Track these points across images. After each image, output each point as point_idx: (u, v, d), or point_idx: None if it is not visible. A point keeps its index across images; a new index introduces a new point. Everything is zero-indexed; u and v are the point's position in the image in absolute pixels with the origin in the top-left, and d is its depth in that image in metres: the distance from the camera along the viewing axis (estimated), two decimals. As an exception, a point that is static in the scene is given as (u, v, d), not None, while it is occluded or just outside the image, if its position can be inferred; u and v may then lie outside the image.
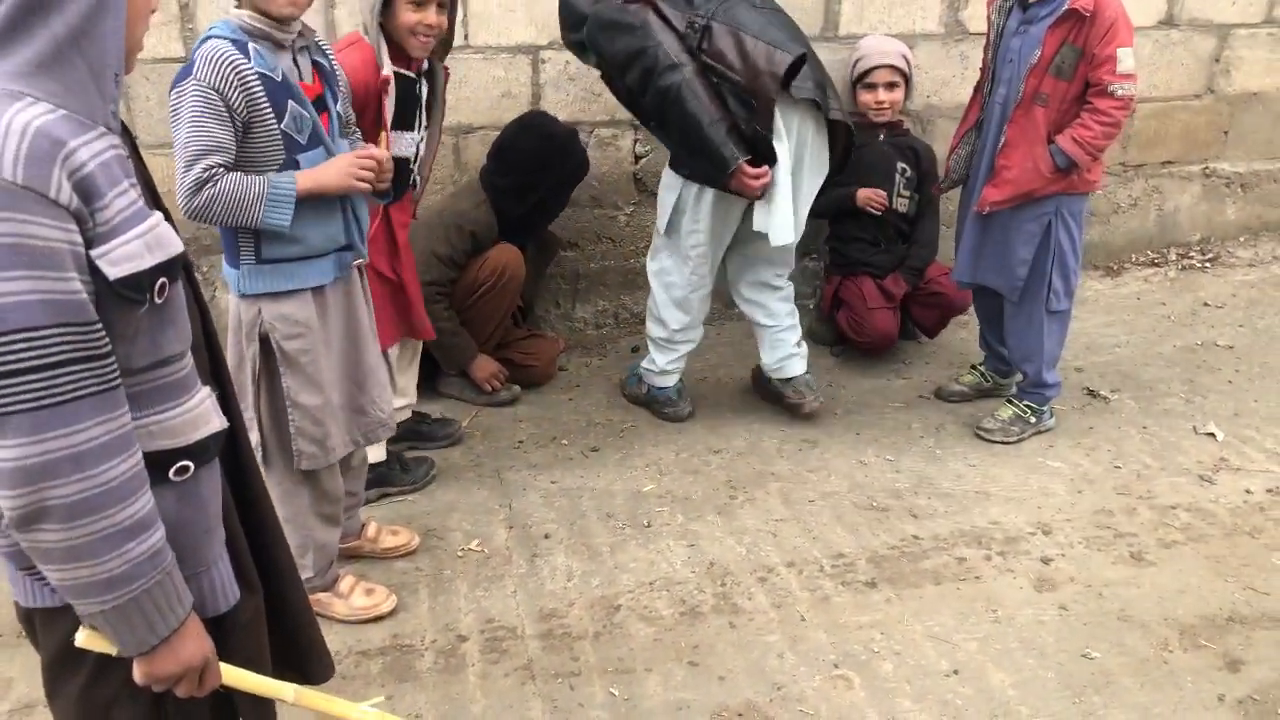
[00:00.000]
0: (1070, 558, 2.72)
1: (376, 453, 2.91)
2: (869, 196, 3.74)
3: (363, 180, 2.22)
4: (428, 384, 3.56)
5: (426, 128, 2.82)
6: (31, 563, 1.22)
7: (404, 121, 2.72)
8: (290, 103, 2.11)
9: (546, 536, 2.85)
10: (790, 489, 3.06)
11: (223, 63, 2.01)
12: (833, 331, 3.97)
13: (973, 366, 3.61)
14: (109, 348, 1.16)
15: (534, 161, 3.44)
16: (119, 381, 1.18)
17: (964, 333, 4.00)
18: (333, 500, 2.47)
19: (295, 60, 2.17)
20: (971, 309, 3.70)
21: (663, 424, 3.44)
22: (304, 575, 2.47)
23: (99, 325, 1.14)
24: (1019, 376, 3.37)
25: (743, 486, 3.08)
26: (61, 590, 1.19)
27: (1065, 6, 2.88)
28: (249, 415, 2.31)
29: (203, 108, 2.01)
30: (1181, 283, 4.56)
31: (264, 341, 2.26)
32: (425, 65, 2.76)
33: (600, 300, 4.15)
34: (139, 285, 1.17)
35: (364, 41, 2.62)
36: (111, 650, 1.27)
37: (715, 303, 4.24)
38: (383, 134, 2.60)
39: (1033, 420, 3.30)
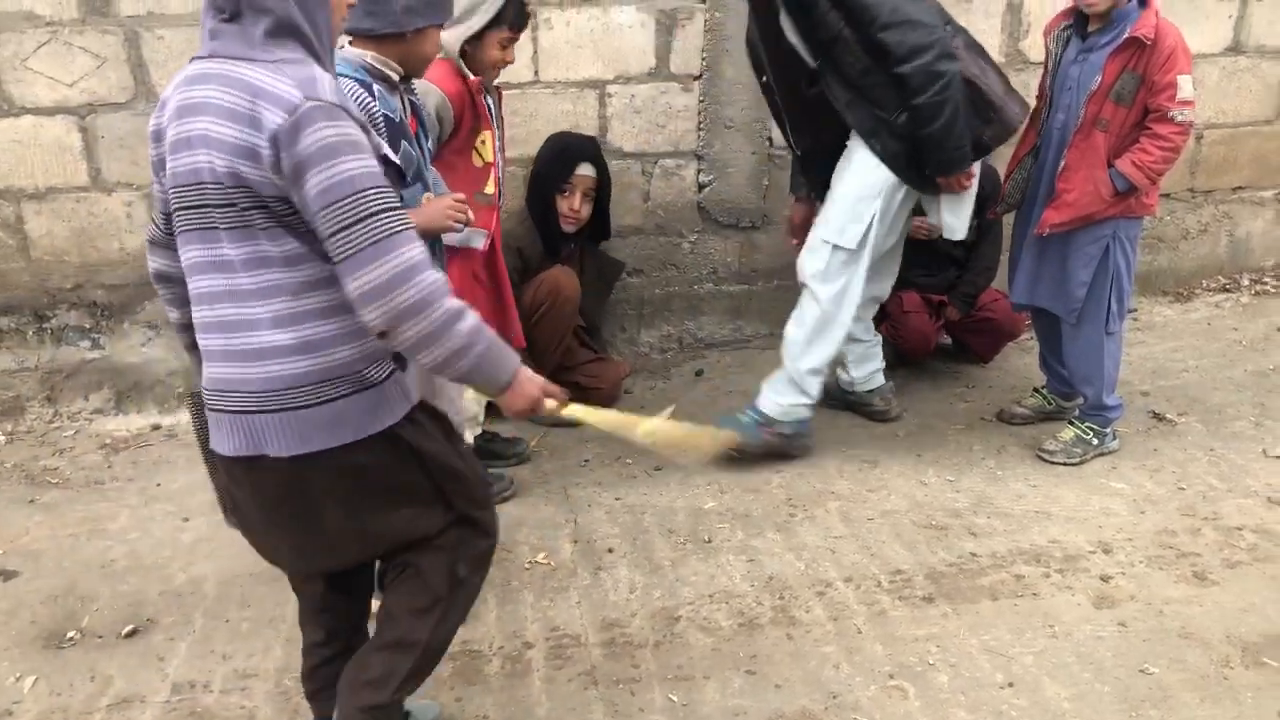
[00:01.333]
0: (1131, 576, 2.72)
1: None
2: (918, 225, 3.79)
3: (456, 221, 2.41)
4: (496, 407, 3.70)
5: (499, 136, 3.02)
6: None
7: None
8: (403, 142, 2.28)
9: (610, 550, 2.94)
10: (849, 507, 3.11)
11: (360, 103, 2.18)
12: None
13: (1035, 389, 3.62)
14: (400, 202, 1.65)
15: (544, 161, 3.66)
16: (412, 225, 1.65)
17: (1028, 357, 4.01)
18: None
19: (402, 100, 2.33)
20: (1028, 332, 3.73)
21: (725, 445, 3.51)
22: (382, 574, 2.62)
23: (391, 188, 1.64)
24: (1081, 399, 3.38)
25: (802, 504, 3.13)
26: (434, 369, 1.65)
27: (1126, 34, 2.93)
28: None
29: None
30: (1254, 308, 4.50)
31: None
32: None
33: (665, 325, 4.26)
34: (397, 173, 1.83)
35: (442, 59, 2.80)
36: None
37: (778, 327, 4.33)
38: (487, 132, 2.83)
39: (1095, 442, 3.31)
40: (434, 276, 1.61)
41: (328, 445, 1.69)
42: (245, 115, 1.57)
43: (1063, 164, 3.10)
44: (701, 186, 4.12)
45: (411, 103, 2.43)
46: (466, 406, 3.07)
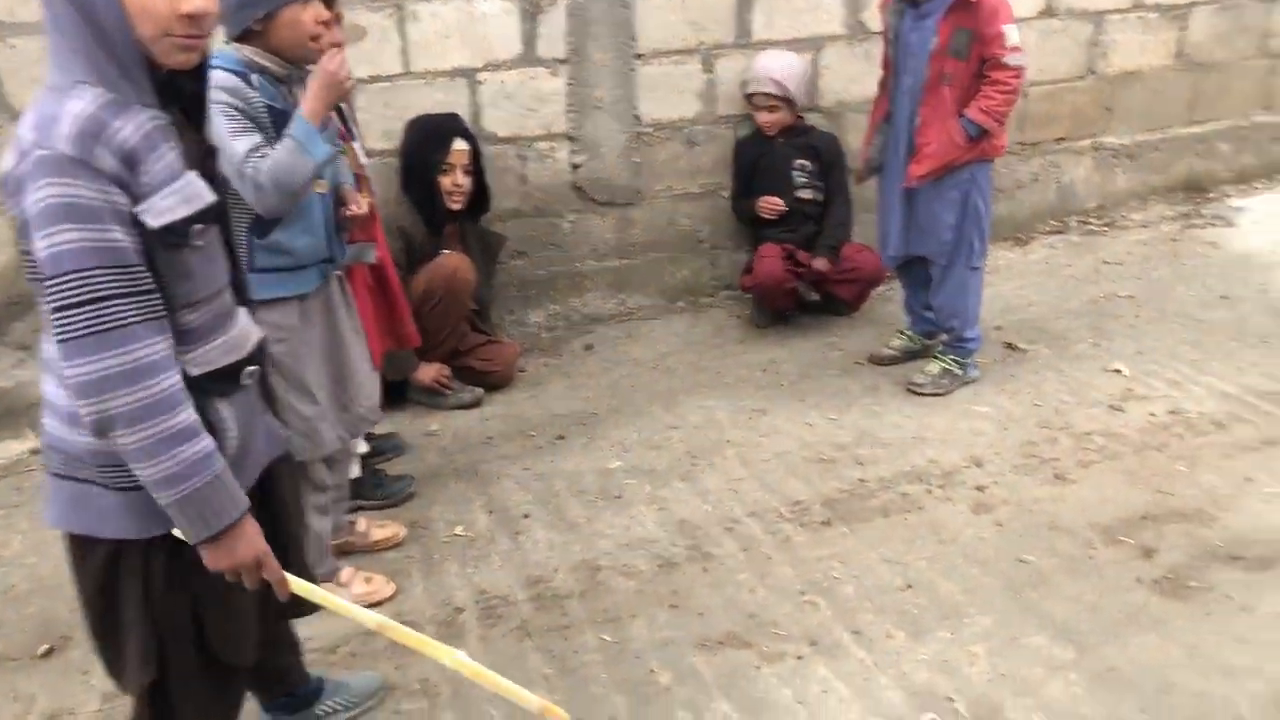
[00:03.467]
0: (1002, 484, 3.01)
1: (353, 469, 3.09)
2: (763, 205, 4.15)
3: (337, 73, 2.29)
4: (396, 394, 3.76)
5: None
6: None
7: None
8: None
9: (526, 516, 3.06)
10: (746, 452, 3.31)
11: (235, 89, 2.23)
12: (755, 307, 4.32)
13: (900, 332, 3.92)
14: (151, 285, 1.43)
15: (416, 145, 3.74)
16: (163, 313, 1.45)
17: (888, 305, 4.31)
18: (322, 490, 2.66)
19: (291, 91, 2.39)
20: (889, 281, 4.03)
21: (623, 409, 3.67)
22: (305, 566, 2.66)
23: (140, 267, 1.41)
24: (944, 336, 3.69)
25: (702, 455, 3.32)
26: (147, 486, 1.45)
27: None
28: None
29: (231, 123, 2.23)
30: (1083, 246, 4.93)
31: None
32: None
33: (551, 304, 4.39)
34: (178, 231, 1.45)
35: None
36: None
37: (660, 298, 4.53)
38: (345, 144, 2.83)
39: (959, 373, 3.61)
40: (166, 384, 1.42)
41: (70, 528, 1.60)
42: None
43: (918, 121, 3.38)
44: (575, 167, 4.26)
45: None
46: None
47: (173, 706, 1.69)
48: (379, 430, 3.48)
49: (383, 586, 2.73)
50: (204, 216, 1.49)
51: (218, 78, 2.23)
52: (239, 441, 1.62)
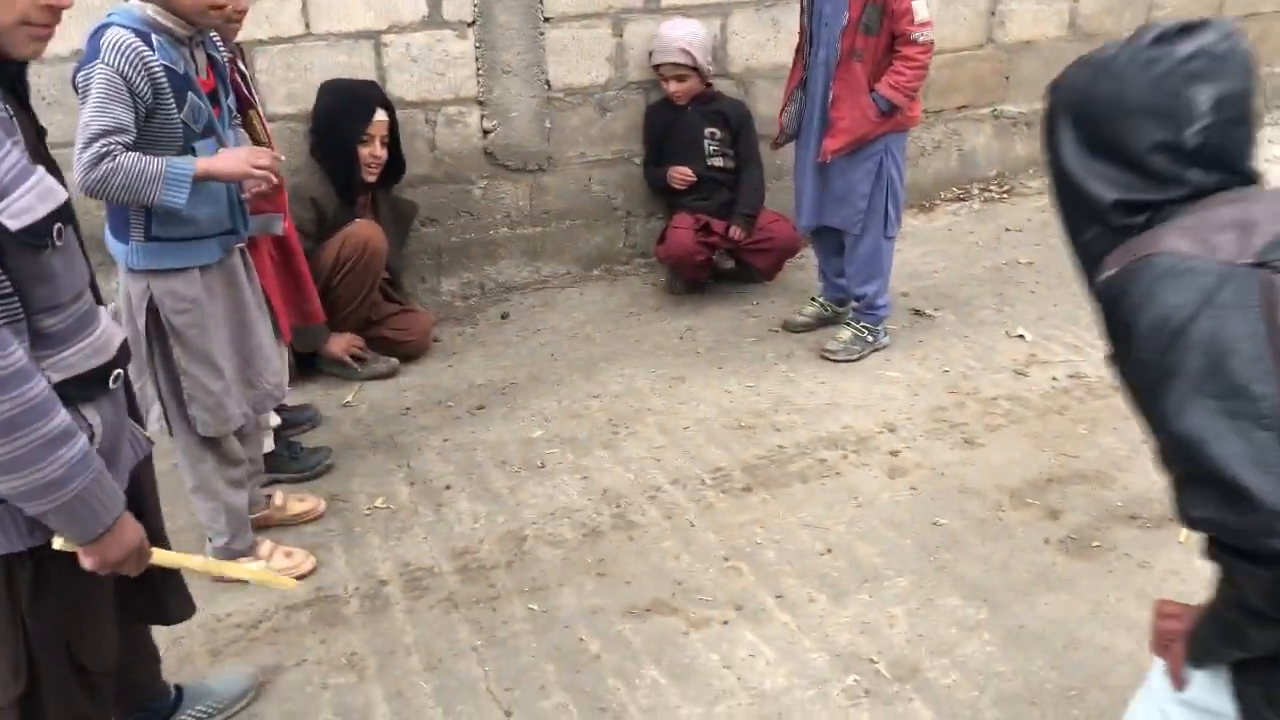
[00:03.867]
0: (915, 448, 3.11)
1: (267, 442, 3.01)
2: (674, 175, 4.15)
3: (260, 169, 2.32)
4: (308, 366, 3.67)
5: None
6: None
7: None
8: (189, 94, 2.23)
9: (448, 488, 3.04)
10: (666, 420, 3.34)
11: (130, 51, 2.12)
12: (671, 275, 4.32)
13: (812, 299, 3.99)
14: (10, 289, 1.36)
15: (334, 113, 3.64)
16: (21, 318, 1.38)
17: (800, 273, 4.38)
18: (236, 464, 2.60)
19: (192, 55, 2.28)
20: (804, 250, 4.09)
21: (543, 378, 3.66)
22: (221, 540, 2.61)
23: None
24: (854, 303, 3.77)
25: (623, 423, 3.34)
26: (14, 498, 1.38)
27: None
28: (149, 389, 2.43)
29: (108, 90, 2.11)
30: (985, 213, 5.08)
31: (153, 315, 2.37)
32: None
33: (464, 272, 4.33)
34: (39, 232, 1.36)
35: None
36: (78, 549, 1.48)
37: (575, 265, 4.51)
38: (251, 111, 2.73)
39: (870, 339, 3.70)
40: (38, 388, 1.34)
41: None
42: None
43: (831, 95, 3.42)
44: (486, 132, 4.20)
45: (212, 58, 2.39)
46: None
47: (45, 716, 1.64)
48: (292, 402, 3.40)
49: (303, 560, 2.69)
50: (61, 214, 1.40)
51: (116, 36, 2.14)
52: (109, 444, 1.56)
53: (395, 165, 3.81)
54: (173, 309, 2.37)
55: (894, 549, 2.67)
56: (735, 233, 4.08)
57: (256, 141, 2.72)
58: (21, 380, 1.32)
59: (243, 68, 2.80)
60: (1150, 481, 2.82)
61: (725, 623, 2.44)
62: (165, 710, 2.11)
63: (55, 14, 1.40)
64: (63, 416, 1.38)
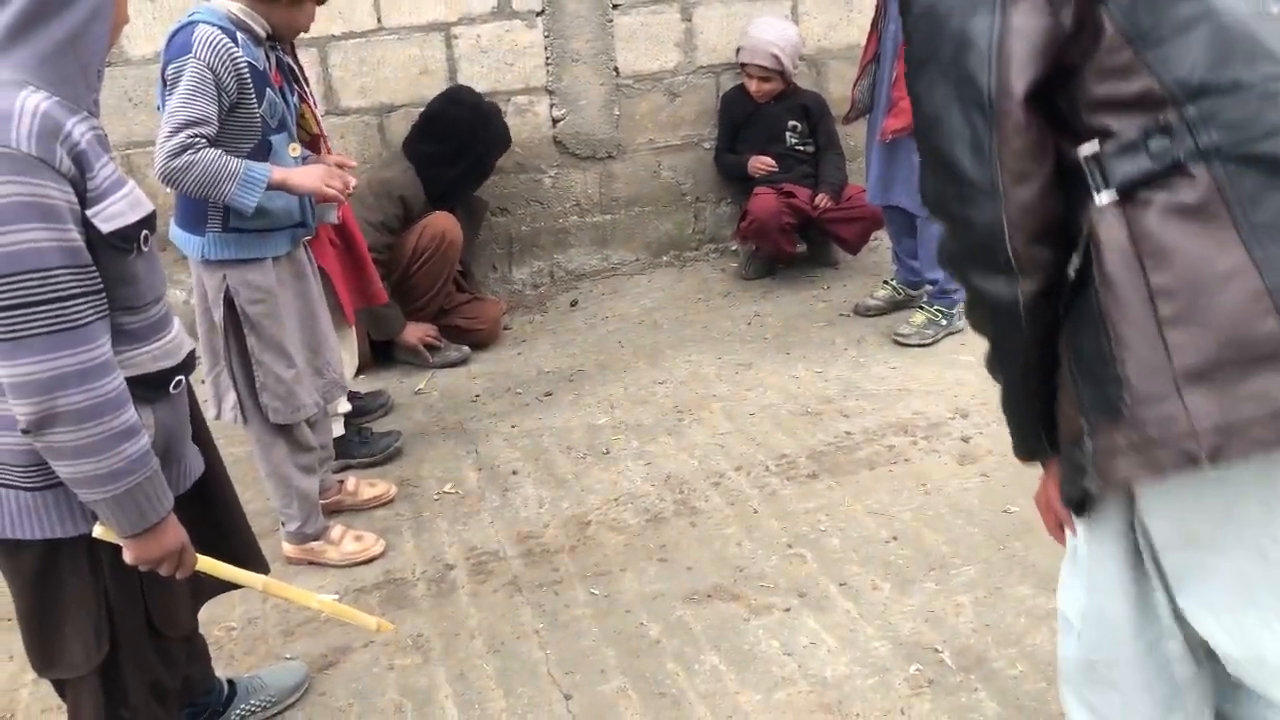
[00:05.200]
0: (987, 434, 3.04)
1: (336, 428, 3.09)
2: (756, 165, 4.12)
3: (332, 189, 2.41)
4: (383, 355, 3.75)
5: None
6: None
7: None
8: (268, 91, 2.31)
9: (514, 473, 3.08)
10: (731, 406, 3.33)
11: (221, 48, 2.20)
12: (747, 258, 4.29)
13: (885, 282, 3.92)
14: (102, 285, 1.44)
15: (464, 129, 3.67)
16: (108, 313, 1.46)
17: (874, 256, 4.31)
18: (307, 450, 2.67)
19: (267, 54, 2.36)
20: (878, 231, 4.02)
21: (610, 365, 3.67)
22: (293, 525, 2.68)
23: (94, 268, 1.43)
24: (928, 286, 3.69)
25: (689, 409, 3.34)
26: (71, 483, 1.45)
27: None
28: (224, 378, 2.51)
29: (198, 83, 2.19)
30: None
31: (229, 306, 2.45)
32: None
33: (535, 261, 4.37)
34: (127, 236, 1.47)
35: None
36: (120, 541, 1.54)
37: (644, 252, 4.51)
38: (304, 105, 2.80)
39: (944, 323, 3.62)
40: (116, 384, 1.43)
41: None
42: None
43: (895, 73, 3.35)
44: (555, 121, 4.22)
45: (278, 59, 2.45)
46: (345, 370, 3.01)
47: (124, 678, 1.71)
48: (366, 388, 3.49)
49: (373, 545, 2.75)
50: (147, 223, 1.51)
51: (207, 33, 2.21)
52: (162, 447, 1.62)
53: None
54: (248, 299, 2.44)
55: (962, 536, 2.61)
56: (823, 200, 4.02)
57: (308, 134, 2.79)
58: (104, 373, 1.41)
59: (291, 62, 2.87)
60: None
61: (787, 610, 2.41)
62: (218, 704, 2.15)
63: None
64: (132, 412, 1.46)
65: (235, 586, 1.92)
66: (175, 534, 1.58)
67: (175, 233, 2.47)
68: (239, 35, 2.27)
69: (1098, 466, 1.14)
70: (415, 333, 3.74)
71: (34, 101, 1.36)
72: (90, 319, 1.40)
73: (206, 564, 1.69)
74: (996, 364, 1.34)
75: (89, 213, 1.41)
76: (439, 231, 3.62)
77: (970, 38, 1.12)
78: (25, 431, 1.39)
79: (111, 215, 1.44)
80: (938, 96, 1.16)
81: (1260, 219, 1.04)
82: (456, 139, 3.67)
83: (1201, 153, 1.06)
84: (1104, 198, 1.11)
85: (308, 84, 2.84)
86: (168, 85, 2.24)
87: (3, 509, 1.54)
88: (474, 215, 4.03)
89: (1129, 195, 1.10)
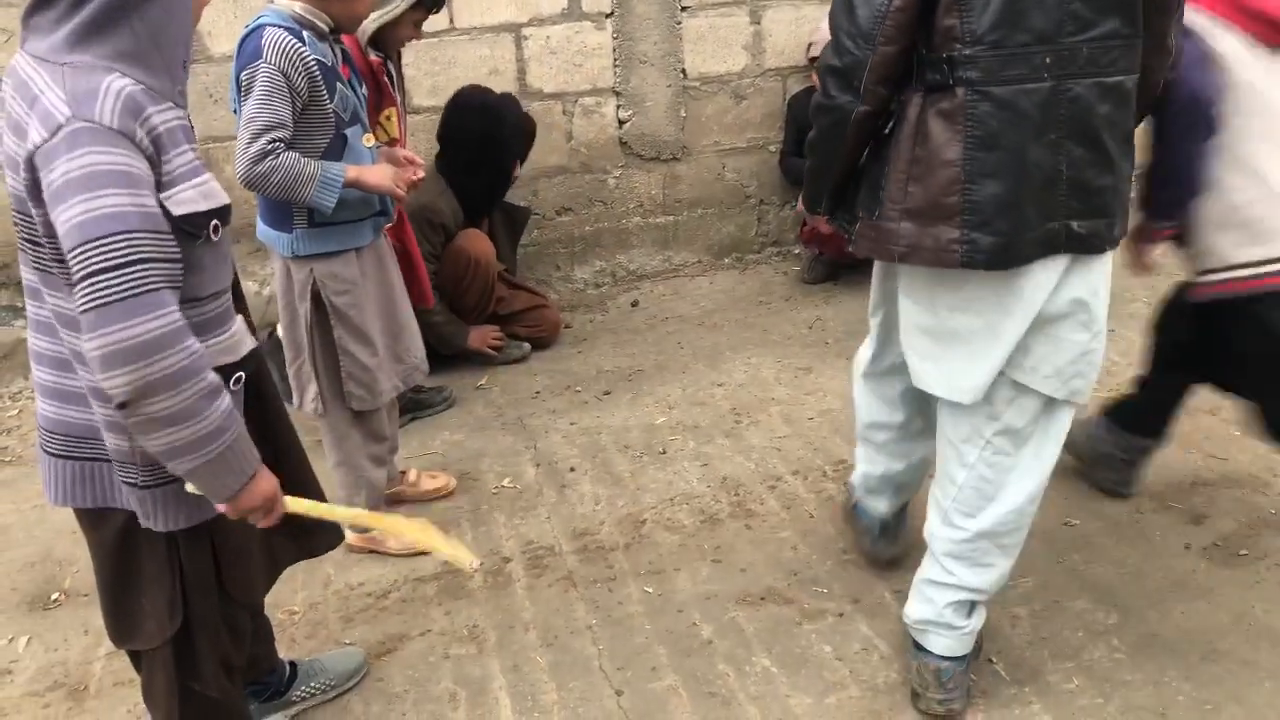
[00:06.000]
0: (1049, 446, 2.99)
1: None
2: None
3: (401, 189, 2.49)
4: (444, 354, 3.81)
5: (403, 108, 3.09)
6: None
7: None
8: (338, 85, 2.36)
9: (572, 470, 3.11)
10: (790, 410, 3.32)
11: (290, 50, 2.25)
12: (810, 262, 4.28)
13: (949, 290, 3.90)
14: (179, 255, 1.45)
15: (475, 138, 3.60)
16: (181, 283, 1.47)
17: (940, 263, 4.26)
18: (379, 441, 2.73)
19: (332, 48, 2.42)
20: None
21: (669, 366, 3.69)
22: (357, 514, 2.73)
23: (171, 235, 1.44)
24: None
25: (746, 412, 3.34)
26: (165, 455, 1.46)
27: None
28: (306, 368, 2.57)
29: (271, 88, 2.24)
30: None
31: (315, 298, 2.51)
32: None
33: (597, 261, 4.41)
34: (196, 223, 1.50)
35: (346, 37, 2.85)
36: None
37: (706, 254, 4.51)
38: (391, 109, 2.87)
39: (1008, 332, 3.60)
40: (196, 345, 1.43)
41: (80, 505, 1.66)
42: (22, 130, 1.40)
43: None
44: (621, 122, 4.25)
45: (344, 51, 2.51)
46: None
47: (196, 651, 1.77)
48: (429, 384, 3.54)
49: (445, 481, 2.85)
50: (219, 214, 1.54)
51: (275, 35, 2.25)
52: None
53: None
54: (334, 290, 2.51)
55: (1021, 549, 2.57)
56: None
57: (390, 140, 2.86)
58: (185, 335, 1.41)
59: (390, 68, 2.94)
60: (1309, 489, 2.64)
61: (840, 615, 2.41)
62: (279, 684, 2.20)
63: None
64: (212, 372, 1.47)
65: (310, 555, 2.00)
66: (269, 482, 1.61)
67: (263, 230, 2.54)
68: (305, 34, 2.31)
69: (853, 240, 1.89)
70: (479, 339, 3.78)
71: (120, 84, 1.41)
72: (164, 284, 1.40)
73: (296, 504, 1.71)
74: (818, 148, 1.88)
75: (161, 195, 1.45)
76: (466, 255, 3.63)
77: None
78: (122, 405, 1.39)
79: (181, 200, 1.46)
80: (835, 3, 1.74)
81: (976, 134, 1.67)
82: (469, 149, 3.60)
83: (965, 81, 1.66)
84: (915, 87, 1.73)
85: (404, 94, 2.94)
86: (242, 91, 2.30)
87: (97, 478, 1.61)
88: (514, 225, 4.01)
89: (928, 90, 1.71)
